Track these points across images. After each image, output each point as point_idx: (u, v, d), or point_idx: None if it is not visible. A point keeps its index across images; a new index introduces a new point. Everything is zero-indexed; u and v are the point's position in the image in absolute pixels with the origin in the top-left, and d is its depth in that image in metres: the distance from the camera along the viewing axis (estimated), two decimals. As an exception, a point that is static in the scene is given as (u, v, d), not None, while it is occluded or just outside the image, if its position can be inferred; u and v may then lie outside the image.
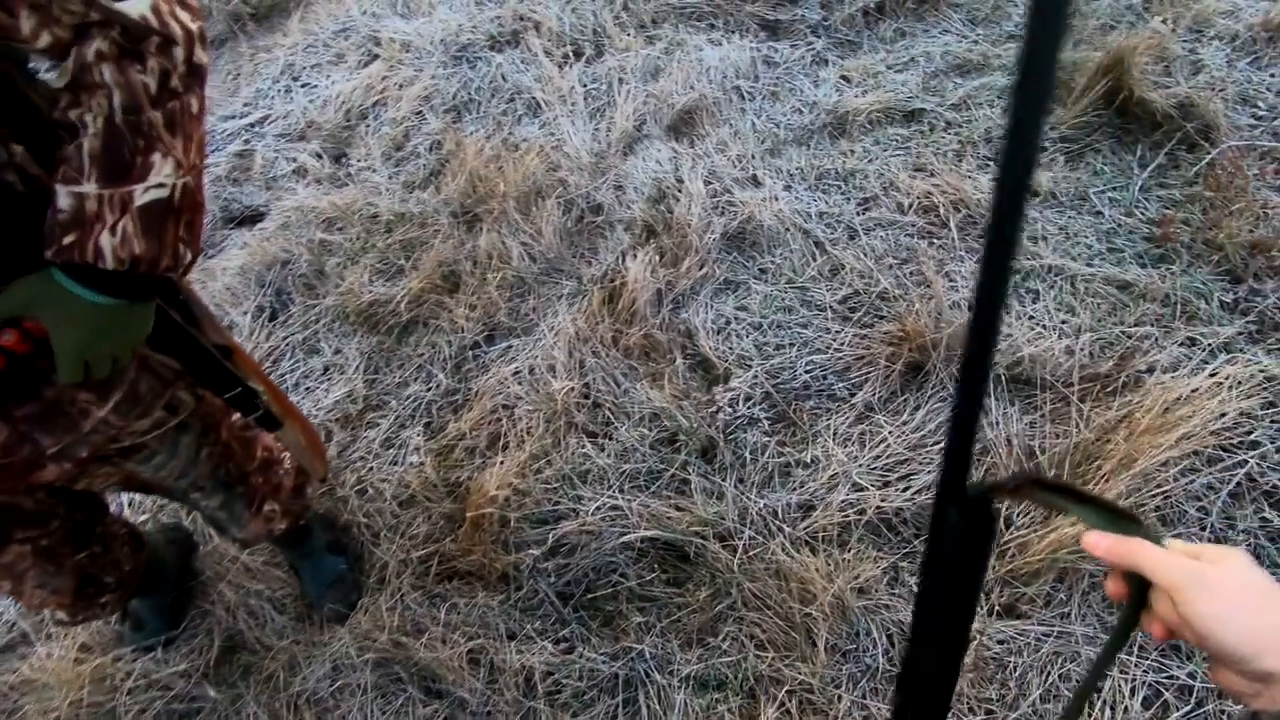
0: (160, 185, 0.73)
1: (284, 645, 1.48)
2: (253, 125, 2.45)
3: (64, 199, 0.70)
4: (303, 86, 2.56)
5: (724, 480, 1.60)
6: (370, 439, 1.75)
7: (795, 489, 1.59)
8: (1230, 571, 0.39)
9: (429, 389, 1.81)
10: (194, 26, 0.74)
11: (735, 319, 1.87)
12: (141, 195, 0.72)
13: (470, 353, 1.86)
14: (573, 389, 1.73)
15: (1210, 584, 0.38)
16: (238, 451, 1.16)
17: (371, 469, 1.70)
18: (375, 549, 1.58)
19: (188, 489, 1.13)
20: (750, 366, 1.76)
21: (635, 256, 1.95)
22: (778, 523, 1.54)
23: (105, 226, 0.70)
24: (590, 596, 1.51)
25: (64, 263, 0.71)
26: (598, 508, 1.57)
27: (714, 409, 1.70)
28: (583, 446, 1.65)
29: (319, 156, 2.34)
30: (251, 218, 2.23)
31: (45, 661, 1.47)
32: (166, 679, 1.45)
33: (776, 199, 2.10)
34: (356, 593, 1.54)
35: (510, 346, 1.87)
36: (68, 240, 0.70)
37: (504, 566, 1.49)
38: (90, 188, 0.69)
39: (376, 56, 2.61)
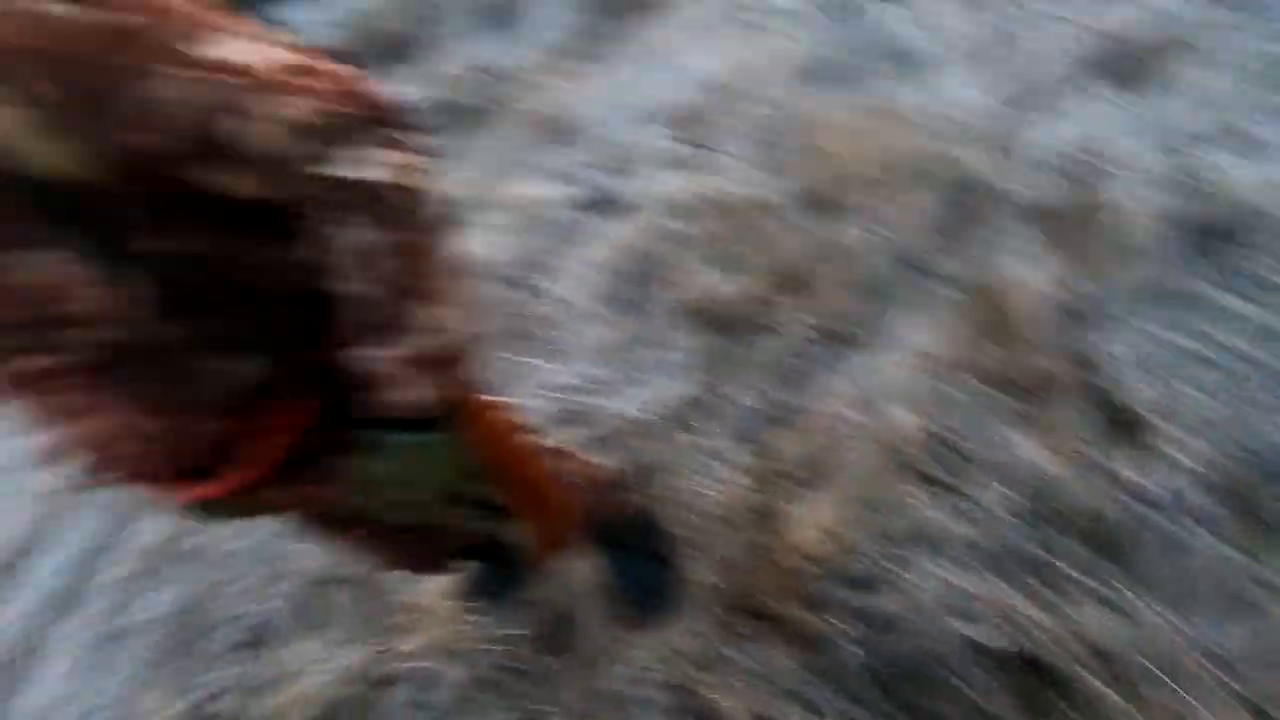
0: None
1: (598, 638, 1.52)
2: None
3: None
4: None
5: (1136, 593, 1.12)
6: (690, 444, 1.69)
7: (1257, 623, 1.03)
8: None
9: (755, 399, 1.66)
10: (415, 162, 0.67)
11: (1183, 351, 1.29)
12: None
13: (803, 364, 1.65)
14: (920, 424, 1.40)
15: None
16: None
17: (683, 478, 1.64)
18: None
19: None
20: (1201, 430, 1.19)
21: (1032, 255, 1.48)
22: (1212, 669, 1.02)
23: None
24: (908, 688, 1.21)
25: None
26: (932, 583, 1.24)
27: (1133, 485, 1.20)
28: (916, 499, 1.33)
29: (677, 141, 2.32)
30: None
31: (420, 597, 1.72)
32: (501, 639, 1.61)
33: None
34: (672, 607, 1.49)
35: (851, 362, 1.60)
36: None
37: (808, 624, 1.29)
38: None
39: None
